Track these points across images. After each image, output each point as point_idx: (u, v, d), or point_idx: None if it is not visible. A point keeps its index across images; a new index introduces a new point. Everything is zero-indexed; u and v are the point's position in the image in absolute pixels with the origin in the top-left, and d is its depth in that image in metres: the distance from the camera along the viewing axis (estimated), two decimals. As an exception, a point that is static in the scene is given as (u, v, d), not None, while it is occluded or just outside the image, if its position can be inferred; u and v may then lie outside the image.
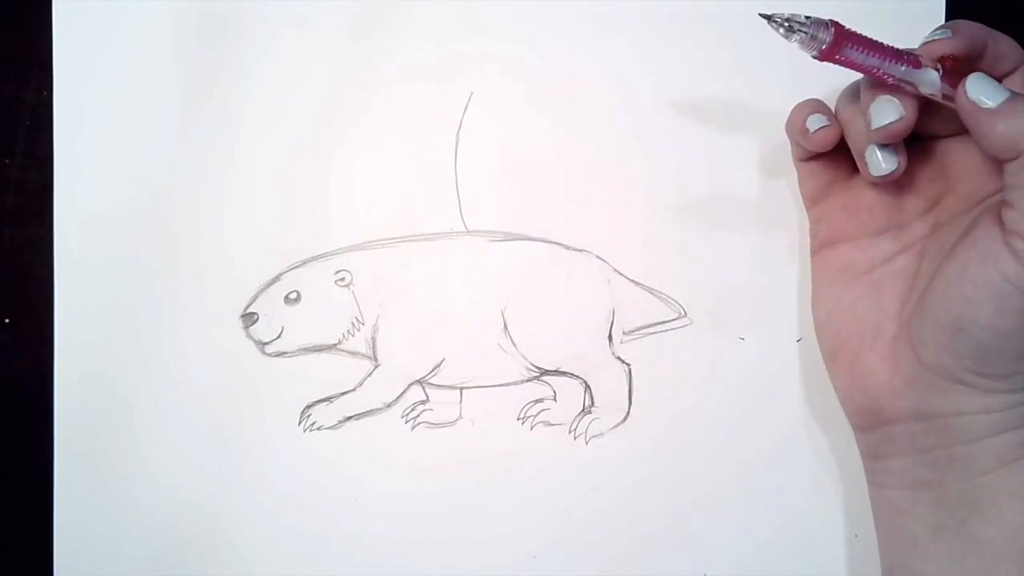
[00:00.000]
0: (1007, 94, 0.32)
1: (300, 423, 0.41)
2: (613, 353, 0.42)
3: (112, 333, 0.41)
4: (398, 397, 0.42)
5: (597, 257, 0.42)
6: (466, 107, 0.42)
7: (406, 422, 0.42)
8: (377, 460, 0.41)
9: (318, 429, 0.41)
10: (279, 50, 0.42)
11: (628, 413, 0.42)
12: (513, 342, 0.42)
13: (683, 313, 0.42)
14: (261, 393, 0.41)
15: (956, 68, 0.33)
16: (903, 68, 0.33)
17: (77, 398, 0.41)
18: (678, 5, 0.42)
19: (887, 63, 0.33)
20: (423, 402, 0.42)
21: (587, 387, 0.42)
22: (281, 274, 0.42)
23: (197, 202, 0.41)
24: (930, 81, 0.33)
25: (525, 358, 0.42)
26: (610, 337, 0.42)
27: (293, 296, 0.41)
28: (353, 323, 0.41)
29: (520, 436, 0.42)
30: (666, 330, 0.42)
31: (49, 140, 0.41)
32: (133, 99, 0.41)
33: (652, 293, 0.42)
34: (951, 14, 0.41)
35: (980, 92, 0.32)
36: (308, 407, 0.41)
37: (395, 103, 0.42)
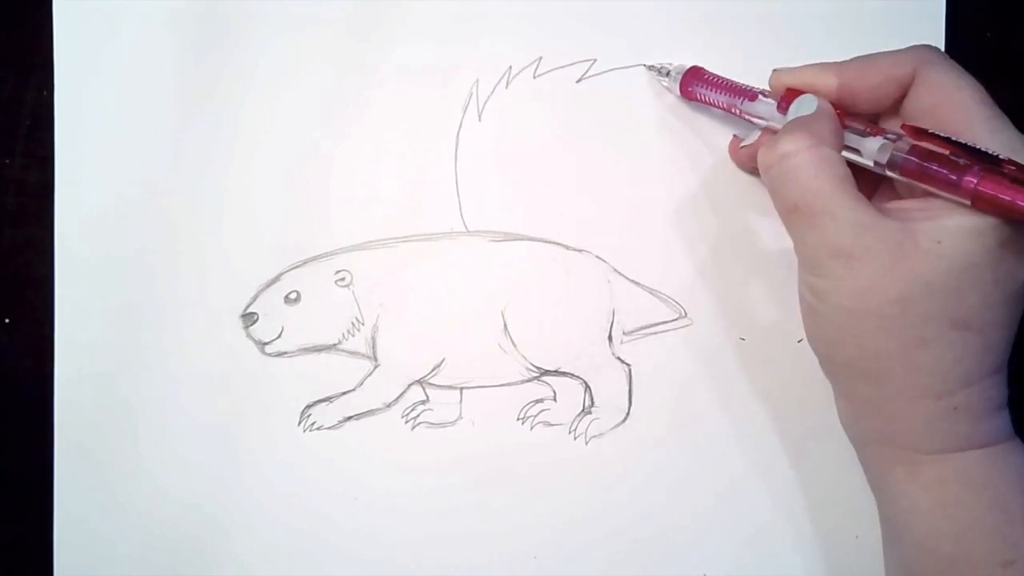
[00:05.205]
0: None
1: (300, 423, 0.41)
2: (613, 353, 0.42)
3: (112, 333, 0.41)
4: (398, 397, 0.42)
5: (597, 257, 0.42)
6: (466, 107, 0.42)
7: (406, 422, 0.42)
8: (377, 460, 0.41)
9: (318, 429, 0.41)
10: (279, 50, 0.42)
11: (628, 413, 0.42)
12: (513, 342, 0.42)
13: (683, 313, 0.42)
14: (261, 393, 0.41)
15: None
16: (741, 101, 0.39)
17: (77, 397, 0.41)
18: (678, 5, 0.42)
19: (731, 98, 0.39)
20: (423, 402, 0.42)
21: (587, 387, 0.42)
22: (281, 274, 0.42)
23: (197, 202, 0.41)
24: (765, 112, 0.38)
25: (525, 358, 0.42)
26: (610, 337, 0.42)
27: (293, 296, 0.41)
28: (353, 323, 0.41)
29: (520, 436, 0.42)
30: (666, 330, 0.42)
31: (49, 140, 0.41)
32: (133, 99, 0.41)
33: (652, 293, 0.42)
34: (951, 14, 0.41)
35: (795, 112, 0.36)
36: (308, 407, 0.41)
37: (395, 103, 0.42)
